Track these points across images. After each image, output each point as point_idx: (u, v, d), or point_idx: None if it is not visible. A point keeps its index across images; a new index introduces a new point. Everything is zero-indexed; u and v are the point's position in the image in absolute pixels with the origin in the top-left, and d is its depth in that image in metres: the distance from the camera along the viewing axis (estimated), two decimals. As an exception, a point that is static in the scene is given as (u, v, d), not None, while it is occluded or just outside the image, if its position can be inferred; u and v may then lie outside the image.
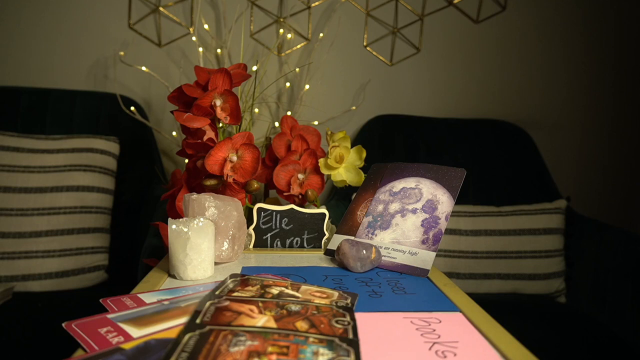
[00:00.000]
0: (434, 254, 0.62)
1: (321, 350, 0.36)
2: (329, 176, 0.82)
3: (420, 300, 0.52)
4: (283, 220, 0.73)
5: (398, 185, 0.72)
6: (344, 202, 1.30)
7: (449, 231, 1.21)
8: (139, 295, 0.49)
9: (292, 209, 0.73)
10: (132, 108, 1.27)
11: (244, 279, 0.53)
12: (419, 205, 0.67)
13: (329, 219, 0.75)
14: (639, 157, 1.66)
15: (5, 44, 1.37)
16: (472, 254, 1.20)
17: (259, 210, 0.72)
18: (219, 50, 1.41)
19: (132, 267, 1.08)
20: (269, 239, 0.72)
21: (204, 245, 0.56)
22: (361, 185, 0.79)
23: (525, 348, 0.40)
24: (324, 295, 0.49)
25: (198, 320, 0.40)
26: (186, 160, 0.88)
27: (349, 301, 0.48)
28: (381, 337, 0.42)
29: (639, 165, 1.66)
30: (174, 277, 0.57)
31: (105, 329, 0.40)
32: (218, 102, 0.72)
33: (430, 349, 0.39)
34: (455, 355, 0.39)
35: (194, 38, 1.40)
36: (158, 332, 0.40)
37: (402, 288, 0.56)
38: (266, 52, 1.46)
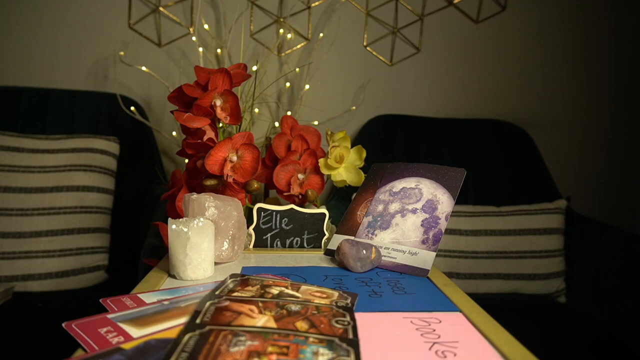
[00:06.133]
0: (434, 254, 0.62)
1: (321, 350, 0.36)
2: (329, 176, 0.82)
3: (420, 300, 0.52)
4: (283, 220, 0.73)
5: (398, 185, 0.72)
6: (344, 202, 1.30)
7: (449, 231, 1.21)
8: (139, 295, 0.49)
9: (292, 209, 0.73)
10: (132, 108, 1.27)
11: (244, 279, 0.53)
12: (419, 205, 0.67)
13: (329, 219, 0.75)
14: (639, 157, 1.66)
15: (6, 44, 1.37)
16: (472, 254, 1.20)
17: (259, 210, 0.72)
18: (219, 50, 1.41)
19: (132, 267, 1.08)
20: (269, 239, 0.72)
21: (204, 245, 0.56)
22: (361, 185, 0.79)
23: (525, 348, 0.40)
24: (324, 295, 0.49)
25: (198, 320, 0.40)
26: (186, 160, 0.87)
27: (349, 301, 0.48)
28: (381, 337, 0.42)
29: (638, 165, 1.66)
30: (174, 277, 0.57)
31: (105, 329, 0.40)
32: (218, 102, 0.72)
33: (430, 349, 0.39)
34: (455, 355, 0.39)
35: (194, 38, 1.40)
36: (158, 332, 0.40)
37: (402, 288, 0.56)
38: (266, 52, 1.46)
